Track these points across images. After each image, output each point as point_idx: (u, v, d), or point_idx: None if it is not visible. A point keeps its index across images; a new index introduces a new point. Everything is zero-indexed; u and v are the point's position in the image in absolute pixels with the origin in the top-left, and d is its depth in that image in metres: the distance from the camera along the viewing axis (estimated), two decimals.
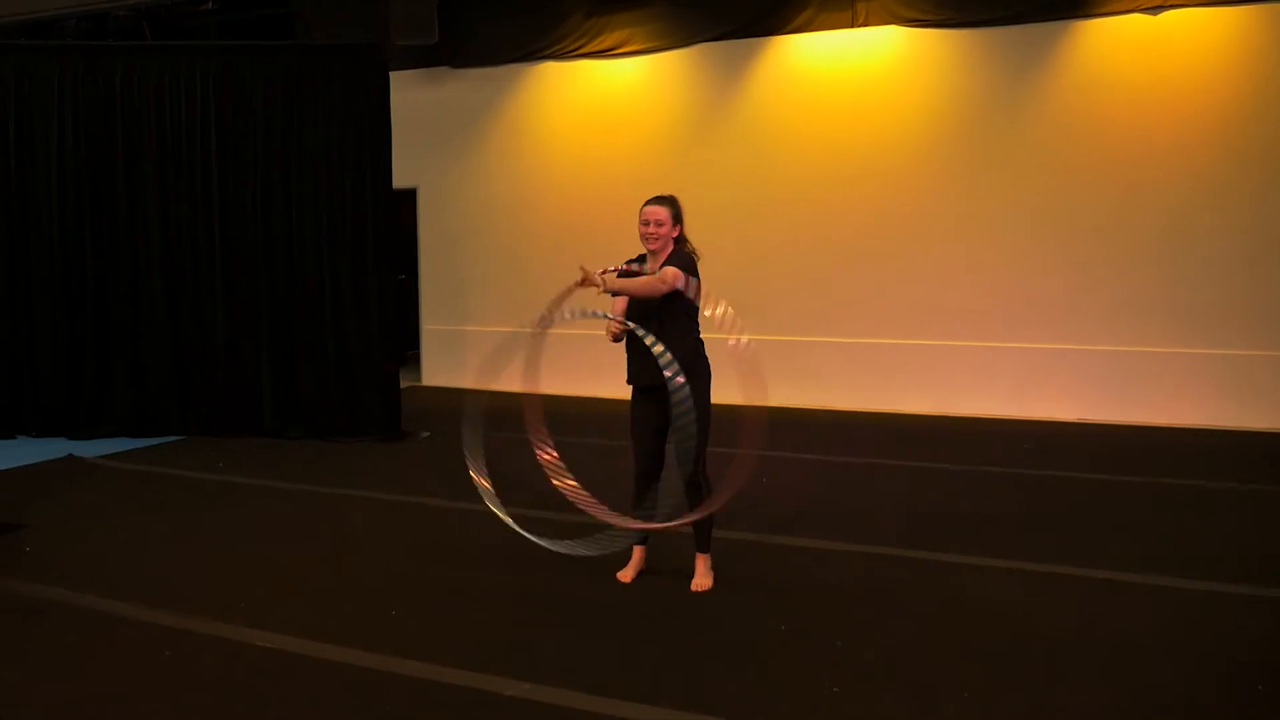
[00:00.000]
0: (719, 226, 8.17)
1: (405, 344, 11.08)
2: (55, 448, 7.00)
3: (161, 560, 4.66)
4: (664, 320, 3.98)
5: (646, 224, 4.09)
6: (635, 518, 4.24)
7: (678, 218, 4.11)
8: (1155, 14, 7.83)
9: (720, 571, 4.27)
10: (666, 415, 3.97)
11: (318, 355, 7.35)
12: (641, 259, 4.17)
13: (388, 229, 7.26)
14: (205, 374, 7.40)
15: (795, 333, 8.76)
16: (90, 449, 6.96)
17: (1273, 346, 7.58)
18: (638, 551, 4.34)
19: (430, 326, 10.36)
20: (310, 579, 4.40)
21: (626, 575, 4.29)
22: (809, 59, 8.80)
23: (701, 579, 4.22)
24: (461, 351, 10.09)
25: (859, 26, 8.61)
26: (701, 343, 4.12)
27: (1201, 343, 7.77)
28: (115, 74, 7.24)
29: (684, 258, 4.04)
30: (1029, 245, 8.23)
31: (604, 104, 9.48)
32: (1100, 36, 7.98)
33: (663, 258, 4.06)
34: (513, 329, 9.92)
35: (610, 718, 3.07)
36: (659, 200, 4.11)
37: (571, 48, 9.42)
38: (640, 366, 4.10)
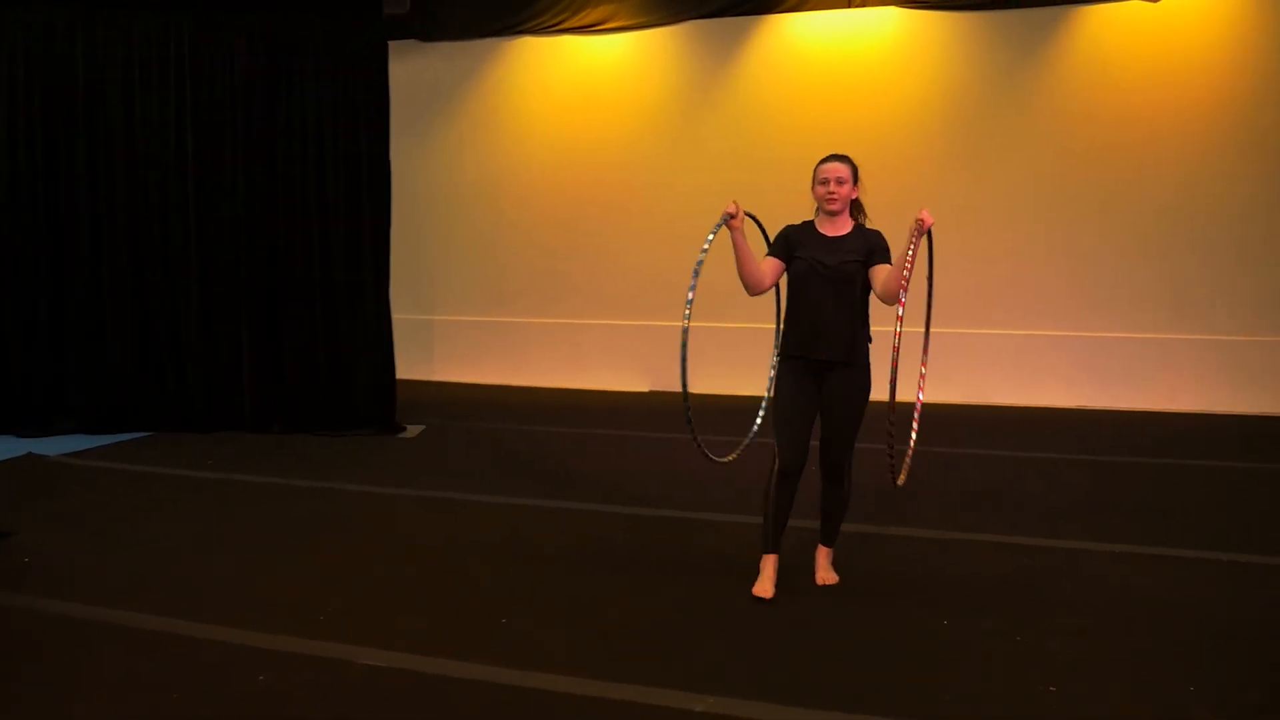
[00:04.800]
0: (705, 211, 7.81)
1: None
2: (5, 446, 6.19)
3: (203, 569, 4.05)
4: (856, 307, 3.59)
5: (826, 183, 3.60)
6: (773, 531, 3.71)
7: (857, 176, 3.65)
8: (1155, 0, 7.88)
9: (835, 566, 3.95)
10: (821, 397, 3.62)
11: (305, 342, 6.71)
12: (806, 225, 3.71)
13: (384, 203, 6.67)
14: (177, 364, 6.67)
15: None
16: (46, 447, 6.18)
17: (1269, 332, 7.71)
18: (772, 561, 3.72)
19: (396, 316, 9.68)
20: (385, 584, 3.88)
21: (768, 589, 3.64)
22: (803, 39, 8.57)
23: (829, 573, 3.87)
24: (429, 343, 9.51)
25: (856, 6, 8.43)
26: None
27: (1199, 329, 7.85)
28: (76, 34, 6.44)
29: (881, 241, 3.59)
30: (1028, 232, 8.18)
31: (586, 83, 9.06)
32: (1102, 22, 7.98)
33: (842, 223, 3.64)
34: (483, 318, 9.47)
35: None
36: (839, 157, 3.65)
37: (551, 22, 8.96)
38: (811, 335, 3.58)
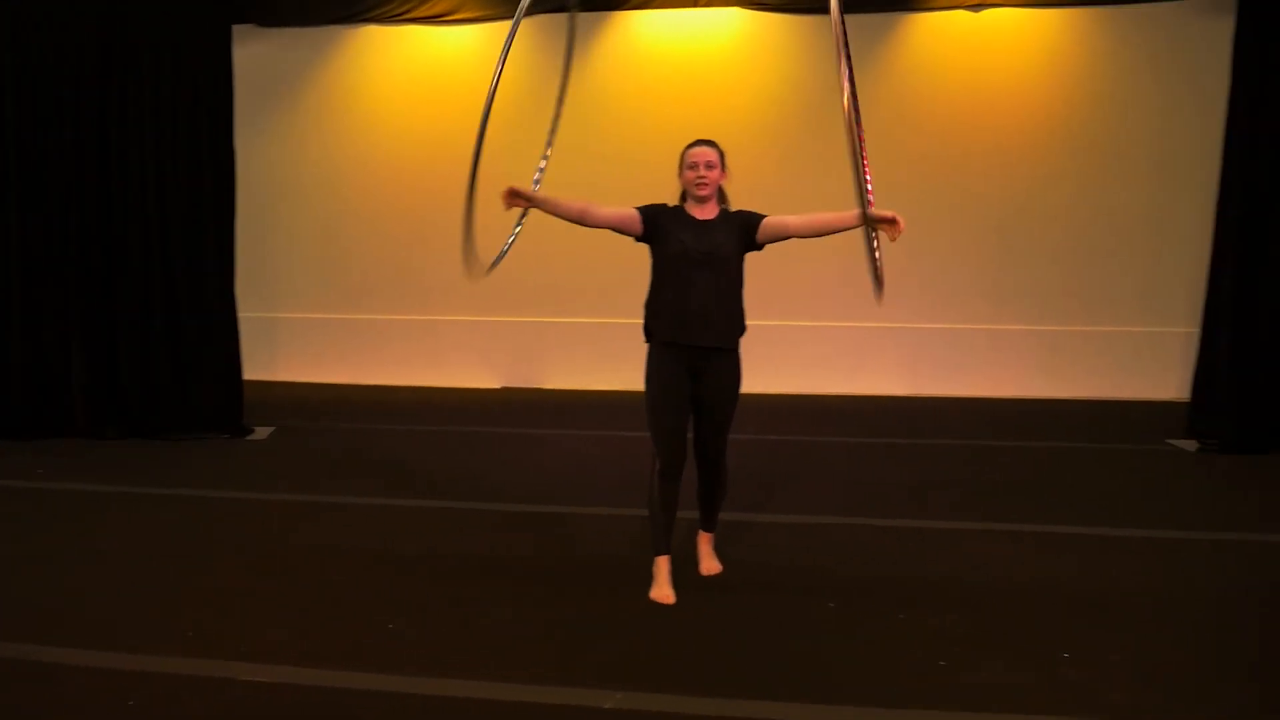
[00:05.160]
0: None
1: None
2: None
3: (46, 588, 3.72)
4: (732, 291, 3.60)
5: (695, 167, 3.55)
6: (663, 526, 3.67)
7: (725, 162, 3.62)
8: (977, 11, 8.36)
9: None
10: (696, 392, 3.60)
11: (143, 340, 6.25)
12: (676, 209, 3.64)
13: (228, 194, 6.32)
14: None
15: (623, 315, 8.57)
16: None
17: (1085, 323, 8.33)
18: (665, 563, 3.67)
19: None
20: (255, 595, 3.67)
21: (668, 594, 3.60)
22: (650, 36, 8.65)
23: (713, 561, 3.93)
24: (272, 341, 9.08)
25: (702, 6, 8.56)
26: None
27: (1021, 320, 8.40)
28: None
29: (751, 215, 3.61)
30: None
31: (434, 74, 8.85)
32: (929, 30, 8.41)
33: (710, 208, 3.62)
34: (329, 315, 9.13)
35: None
36: (707, 141, 3.61)
37: (398, 11, 8.69)
38: (686, 321, 3.52)
